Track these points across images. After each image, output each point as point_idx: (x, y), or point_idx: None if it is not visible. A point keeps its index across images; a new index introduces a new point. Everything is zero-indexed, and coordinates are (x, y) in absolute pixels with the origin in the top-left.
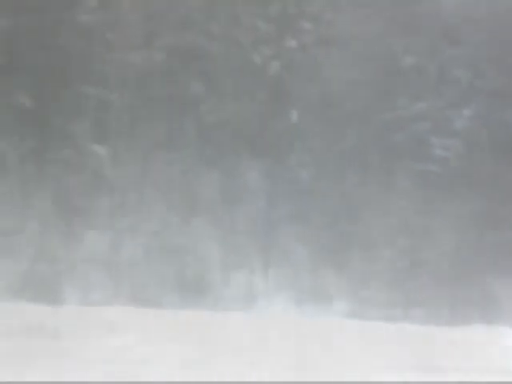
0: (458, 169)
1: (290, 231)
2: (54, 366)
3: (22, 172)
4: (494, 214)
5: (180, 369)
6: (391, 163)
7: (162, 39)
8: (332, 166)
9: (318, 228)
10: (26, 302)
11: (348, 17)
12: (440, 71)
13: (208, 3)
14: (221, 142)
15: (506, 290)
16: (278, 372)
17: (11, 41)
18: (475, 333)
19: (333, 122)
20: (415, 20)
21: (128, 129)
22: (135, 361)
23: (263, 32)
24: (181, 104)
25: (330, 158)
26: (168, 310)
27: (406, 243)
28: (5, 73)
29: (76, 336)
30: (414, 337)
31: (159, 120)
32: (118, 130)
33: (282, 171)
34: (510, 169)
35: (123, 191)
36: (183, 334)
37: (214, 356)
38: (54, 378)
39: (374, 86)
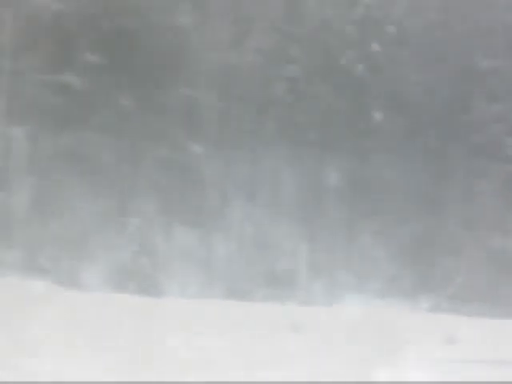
0: None
1: (373, 228)
2: None
3: (120, 170)
4: None
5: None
6: (469, 163)
7: (250, 41)
8: (412, 164)
9: (398, 225)
10: (129, 294)
11: (429, 21)
12: None
13: (296, 7)
14: (305, 141)
15: None
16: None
17: (112, 42)
18: None
19: (413, 122)
20: (493, 23)
21: (219, 127)
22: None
23: (349, 35)
24: (267, 104)
25: (410, 157)
26: (259, 302)
27: (494, 242)
28: (105, 73)
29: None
30: (494, 331)
31: (246, 119)
32: (209, 128)
33: (365, 169)
34: None
35: (217, 188)
36: (283, 326)
37: (333, 345)
38: None
39: (452, 87)
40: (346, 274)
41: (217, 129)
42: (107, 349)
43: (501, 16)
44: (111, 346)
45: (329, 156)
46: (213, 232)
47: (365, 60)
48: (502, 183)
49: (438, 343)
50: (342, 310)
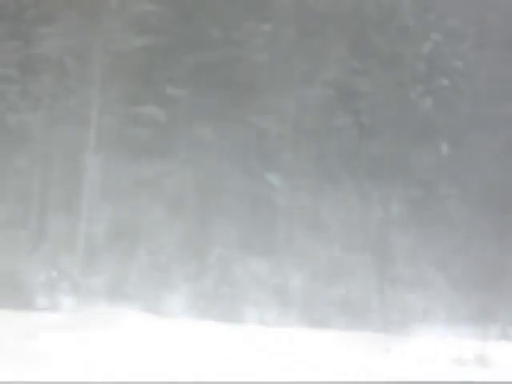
0: None
1: (437, 257)
2: None
3: (201, 201)
4: None
5: None
6: None
7: (320, 76)
8: (478, 198)
9: (463, 254)
10: (211, 321)
11: (496, 56)
12: None
13: (366, 43)
14: (375, 174)
15: None
16: None
17: (194, 75)
18: None
19: (481, 156)
20: None
21: (295, 159)
22: None
23: (417, 70)
24: (338, 137)
25: (477, 191)
26: (335, 329)
27: None
28: (186, 106)
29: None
30: None
31: (315, 151)
32: (287, 160)
33: (429, 201)
34: None
35: (293, 219)
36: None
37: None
38: None
39: None
40: (415, 301)
41: (289, 160)
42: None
43: None
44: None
45: (394, 187)
46: (287, 261)
47: (432, 93)
48: None
49: None
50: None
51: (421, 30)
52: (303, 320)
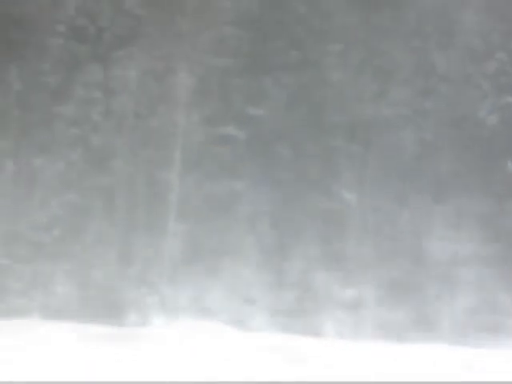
0: None
1: (506, 271)
2: None
3: (279, 218)
4: None
5: None
6: None
7: (388, 95)
8: None
9: None
10: (293, 335)
11: None
12: None
13: (431, 62)
14: (441, 191)
15: None
16: None
17: (271, 96)
18: None
19: None
20: None
21: (366, 176)
22: None
23: (482, 88)
24: (406, 155)
25: None
26: (410, 343)
27: None
28: (263, 124)
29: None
30: None
31: (389, 169)
32: (359, 178)
33: (498, 218)
34: None
35: (366, 235)
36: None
37: None
38: None
39: None
40: (492, 316)
41: (360, 177)
42: None
43: None
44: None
45: (460, 204)
46: (362, 275)
47: (498, 111)
48: None
49: None
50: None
51: (486, 49)
52: (379, 334)
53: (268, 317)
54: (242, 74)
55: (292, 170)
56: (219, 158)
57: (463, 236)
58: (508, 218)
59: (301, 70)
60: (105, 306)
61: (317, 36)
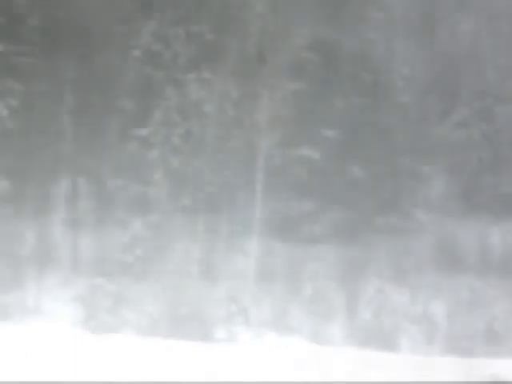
0: None
1: None
2: None
3: (354, 237)
4: None
5: None
6: None
7: (456, 115)
8: None
9: None
10: (370, 350)
11: None
12: None
13: (486, 83)
14: (505, 208)
15: None
16: None
17: (345, 118)
18: None
19: None
20: None
21: (437, 195)
22: None
23: None
24: (476, 173)
25: None
26: (480, 358)
27: None
28: (339, 147)
29: None
30: None
31: (457, 188)
32: (429, 197)
33: None
34: None
35: (439, 252)
36: None
37: None
38: None
39: None
40: None
41: (430, 196)
42: None
43: None
44: None
45: None
46: (435, 292)
47: None
48: None
49: None
50: None
51: None
52: (450, 349)
53: (346, 332)
54: (316, 97)
55: (364, 190)
56: (296, 178)
57: None
58: None
59: (372, 93)
60: (192, 323)
61: (385, 60)
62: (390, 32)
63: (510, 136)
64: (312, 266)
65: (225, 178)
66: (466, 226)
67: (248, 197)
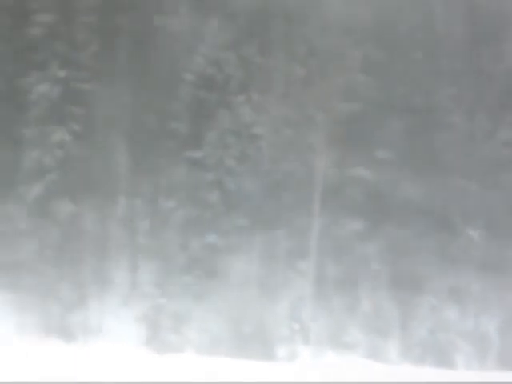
0: None
1: None
2: None
3: (408, 255)
4: None
5: None
6: None
7: (499, 134)
8: None
9: None
10: (428, 367)
11: None
12: None
13: None
14: None
15: None
16: None
17: (397, 139)
18: None
19: None
20: None
21: (491, 214)
22: None
23: None
24: None
25: None
26: None
27: None
28: (392, 167)
29: None
30: None
31: (506, 203)
32: (483, 215)
33: None
34: None
35: (490, 271)
36: None
37: None
38: None
39: None
40: None
41: (482, 214)
42: None
43: None
44: None
45: None
46: (486, 309)
47: None
48: None
49: None
50: None
51: None
52: (504, 364)
53: (402, 350)
54: (369, 119)
55: (419, 210)
56: (351, 199)
57: None
58: None
59: (423, 114)
60: (253, 342)
61: (435, 81)
62: (437, 52)
63: None
64: (367, 284)
65: (281, 199)
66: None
67: (304, 217)
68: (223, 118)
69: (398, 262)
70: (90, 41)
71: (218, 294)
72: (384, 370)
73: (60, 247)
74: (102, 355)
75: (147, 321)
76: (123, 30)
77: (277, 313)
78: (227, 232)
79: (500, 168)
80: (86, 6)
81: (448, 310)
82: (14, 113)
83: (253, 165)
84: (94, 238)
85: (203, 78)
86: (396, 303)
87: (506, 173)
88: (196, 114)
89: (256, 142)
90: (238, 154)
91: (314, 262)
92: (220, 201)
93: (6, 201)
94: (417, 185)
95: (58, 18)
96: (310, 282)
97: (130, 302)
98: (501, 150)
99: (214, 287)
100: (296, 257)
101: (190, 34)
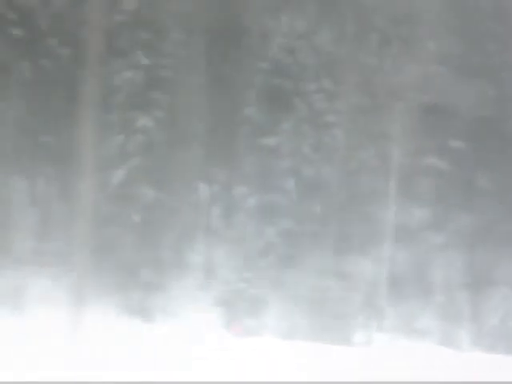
0: None
1: None
2: None
3: (481, 245)
4: None
5: None
6: None
7: None
8: None
9: None
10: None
11: None
12: None
13: None
14: None
15: None
16: None
17: (472, 129)
18: None
19: None
20: None
21: None
22: None
23: None
24: None
25: None
26: None
27: None
28: (466, 156)
29: None
30: None
31: None
32: None
33: None
34: None
35: None
36: None
37: None
38: None
39: None
40: None
41: None
42: None
43: None
44: None
45: None
46: None
47: None
48: None
49: None
50: None
51: None
52: None
53: (473, 337)
54: (444, 110)
55: (492, 198)
56: (425, 187)
57: None
58: None
59: (499, 105)
60: (331, 327)
61: (510, 72)
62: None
63: None
64: (441, 272)
65: (356, 186)
66: None
67: (379, 204)
68: (298, 106)
69: (471, 250)
70: (172, 28)
71: (294, 280)
72: (456, 357)
73: (141, 231)
74: (180, 337)
75: (225, 305)
76: (203, 19)
77: (352, 299)
78: (302, 219)
79: None
80: None
81: None
82: (98, 99)
83: (328, 152)
84: (173, 222)
85: (278, 66)
86: (468, 291)
87: None
88: (271, 101)
89: (331, 130)
90: (313, 142)
91: (388, 249)
92: (295, 188)
93: (90, 185)
94: (490, 174)
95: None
96: (385, 270)
97: (208, 286)
98: None
99: (290, 273)
100: (370, 244)
101: (266, 24)
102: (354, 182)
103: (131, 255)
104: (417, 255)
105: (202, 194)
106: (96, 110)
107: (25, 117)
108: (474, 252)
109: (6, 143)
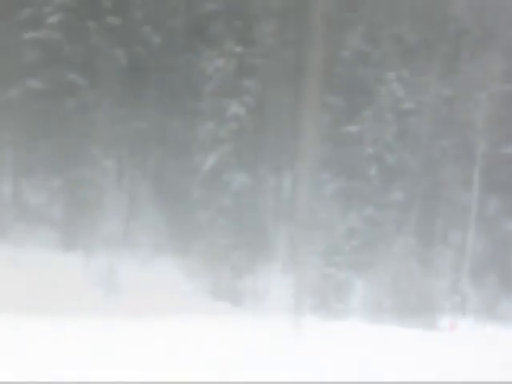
0: None
1: None
2: None
3: None
4: None
5: None
6: None
7: None
8: None
9: None
10: None
11: None
12: None
13: None
14: None
15: None
16: None
17: None
18: None
19: None
20: None
21: None
22: None
23: None
24: None
25: None
26: None
27: None
28: None
29: None
30: None
31: None
32: None
33: None
34: None
35: None
36: None
37: None
38: None
39: None
40: None
41: None
42: None
43: None
44: None
45: None
46: None
47: None
48: None
49: None
50: None
51: None
52: None
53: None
54: None
55: None
56: (508, 176)
57: None
58: None
59: None
60: (416, 312)
61: None
62: None
63: None
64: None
65: (438, 174)
66: None
67: (462, 193)
68: (380, 93)
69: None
70: (263, 17)
71: (377, 265)
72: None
73: (232, 216)
74: (268, 321)
75: (312, 289)
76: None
77: (435, 285)
78: (385, 205)
79: None
80: None
81: None
82: (191, 86)
83: (411, 140)
84: (261, 207)
85: (359, 54)
86: None
87: None
88: (353, 89)
89: (414, 118)
90: (396, 130)
91: (470, 237)
92: (378, 175)
93: (183, 171)
94: None
95: None
96: (467, 257)
97: (294, 270)
98: None
99: (373, 258)
100: (452, 231)
101: (346, 13)
102: (436, 170)
103: (222, 239)
104: (498, 243)
105: (288, 180)
106: (187, 97)
107: (118, 104)
108: None
109: (99, 129)
